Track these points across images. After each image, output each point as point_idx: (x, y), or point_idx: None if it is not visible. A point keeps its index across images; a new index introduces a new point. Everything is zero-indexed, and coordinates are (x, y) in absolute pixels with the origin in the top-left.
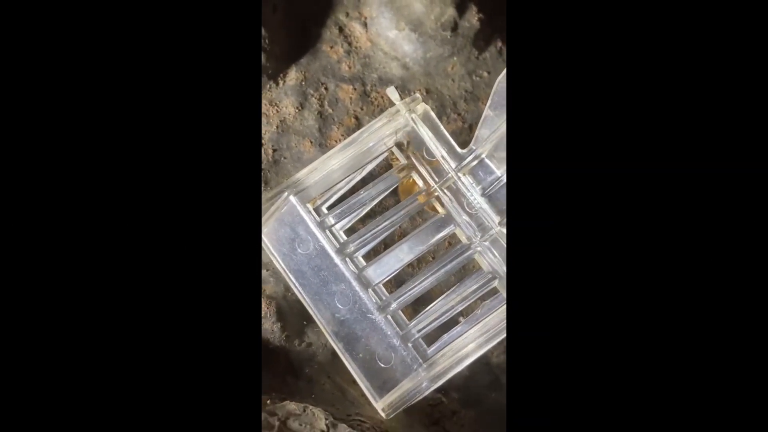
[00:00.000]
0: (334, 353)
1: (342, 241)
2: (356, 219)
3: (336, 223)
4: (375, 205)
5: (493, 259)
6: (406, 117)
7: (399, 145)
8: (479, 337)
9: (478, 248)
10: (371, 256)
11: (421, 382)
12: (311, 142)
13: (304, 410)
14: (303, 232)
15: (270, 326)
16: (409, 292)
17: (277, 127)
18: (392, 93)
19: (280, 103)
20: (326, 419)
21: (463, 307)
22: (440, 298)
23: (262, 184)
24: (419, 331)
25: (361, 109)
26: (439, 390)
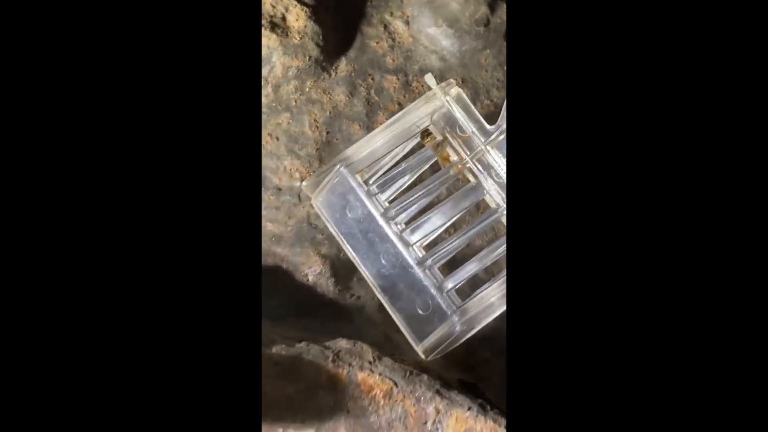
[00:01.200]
0: (380, 305)
1: (386, 206)
2: (398, 189)
3: (380, 192)
4: (415, 178)
5: None
6: (441, 99)
7: (436, 124)
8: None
9: (505, 212)
10: (411, 221)
11: (455, 326)
12: (359, 126)
13: (354, 345)
14: (352, 199)
15: (325, 281)
16: (444, 249)
17: (330, 112)
18: (429, 79)
19: (333, 91)
20: (373, 353)
21: (491, 263)
22: (472, 259)
23: (317, 162)
24: (453, 285)
25: (404, 96)
26: (472, 340)
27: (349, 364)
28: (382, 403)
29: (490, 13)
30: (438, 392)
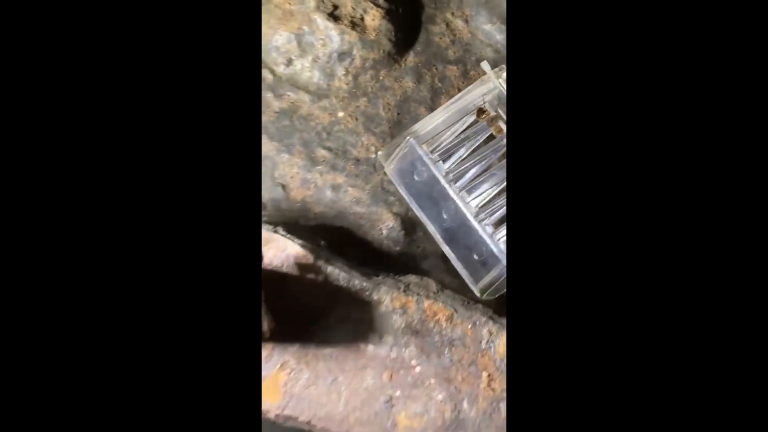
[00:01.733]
0: (442, 254)
1: (447, 171)
2: (458, 159)
3: (442, 161)
4: (472, 150)
5: None
6: (495, 81)
7: (490, 103)
8: None
9: None
10: (468, 184)
11: (504, 268)
12: (425, 108)
13: (421, 279)
14: (419, 165)
15: (396, 234)
16: (495, 206)
17: (400, 97)
18: (485, 65)
19: (402, 79)
20: (437, 285)
21: None
22: None
23: (389, 138)
24: (503, 235)
25: (463, 83)
26: None
27: (417, 294)
28: (444, 325)
29: None
30: (491, 318)
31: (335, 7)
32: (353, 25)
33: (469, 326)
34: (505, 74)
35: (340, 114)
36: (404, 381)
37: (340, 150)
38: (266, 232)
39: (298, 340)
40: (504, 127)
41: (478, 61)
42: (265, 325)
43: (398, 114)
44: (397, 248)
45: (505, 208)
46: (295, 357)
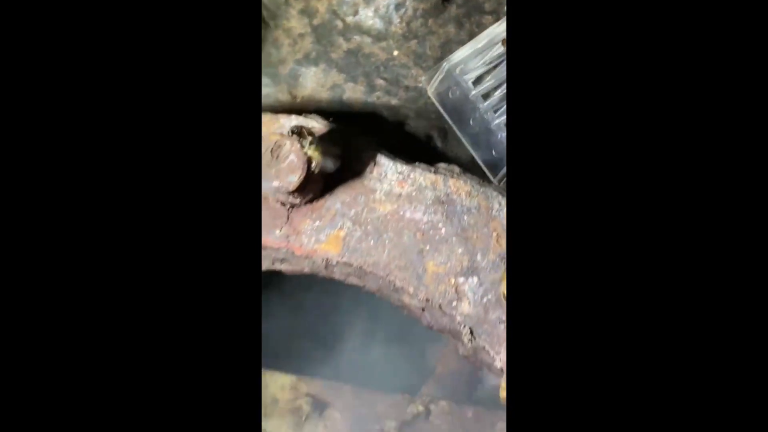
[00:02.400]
0: (471, 157)
1: (475, 90)
2: (485, 81)
3: (471, 81)
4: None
5: None
6: None
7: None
8: None
9: None
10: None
11: None
12: None
13: (448, 165)
14: (453, 85)
15: (434, 141)
16: None
17: (443, 39)
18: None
19: (446, 26)
20: (460, 169)
21: None
22: None
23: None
24: None
25: None
26: None
27: (444, 174)
28: (464, 197)
29: None
30: (500, 193)
31: None
32: None
33: (484, 198)
34: None
35: (395, 53)
36: (433, 239)
37: (394, 80)
38: (322, 121)
39: (353, 207)
40: None
41: None
42: (330, 164)
43: (441, 53)
44: (436, 152)
45: None
46: (351, 220)
